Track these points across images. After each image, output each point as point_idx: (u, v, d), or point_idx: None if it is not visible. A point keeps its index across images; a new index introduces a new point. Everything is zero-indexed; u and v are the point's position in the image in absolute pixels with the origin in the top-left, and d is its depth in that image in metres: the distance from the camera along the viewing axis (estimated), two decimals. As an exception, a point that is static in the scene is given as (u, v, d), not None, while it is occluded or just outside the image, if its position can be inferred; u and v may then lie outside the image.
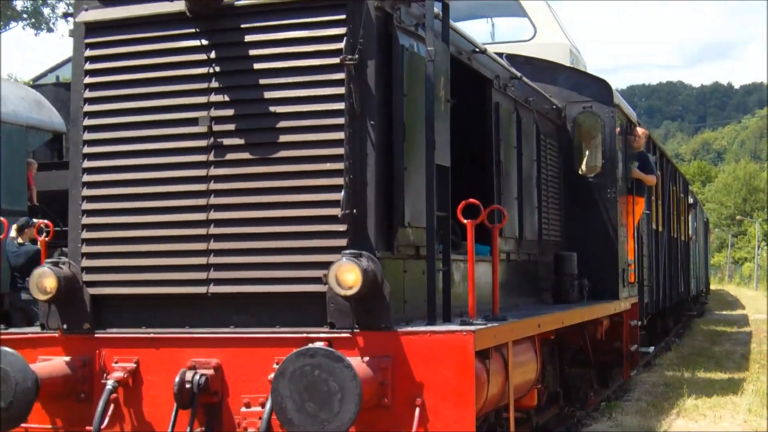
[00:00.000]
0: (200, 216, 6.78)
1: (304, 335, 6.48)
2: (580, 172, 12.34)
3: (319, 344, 6.10)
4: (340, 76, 6.54)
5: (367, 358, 6.29)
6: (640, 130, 13.65)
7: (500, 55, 10.21)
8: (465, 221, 6.90)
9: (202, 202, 6.78)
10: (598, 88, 12.36)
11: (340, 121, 6.57)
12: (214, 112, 6.80)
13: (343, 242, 6.55)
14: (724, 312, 37.42)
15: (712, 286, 57.18)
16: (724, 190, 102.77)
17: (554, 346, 10.78)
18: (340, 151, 6.55)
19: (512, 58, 11.62)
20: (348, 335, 6.40)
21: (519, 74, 10.07)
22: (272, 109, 6.74)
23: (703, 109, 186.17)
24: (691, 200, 28.18)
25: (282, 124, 6.75)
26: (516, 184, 9.87)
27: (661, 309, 19.79)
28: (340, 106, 6.57)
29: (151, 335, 6.78)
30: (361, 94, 6.58)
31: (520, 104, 10.16)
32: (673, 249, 21.20)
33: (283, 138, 6.76)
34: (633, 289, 13.46)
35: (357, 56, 6.47)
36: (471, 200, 7.08)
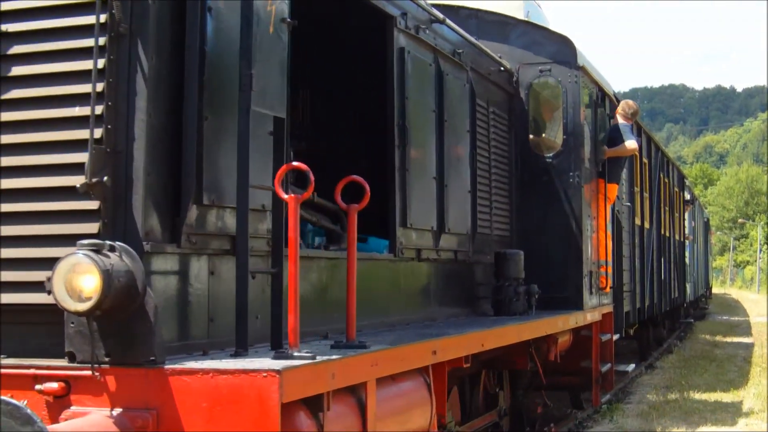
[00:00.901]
0: None
1: (32, 371, 4.02)
2: (536, 150, 9.82)
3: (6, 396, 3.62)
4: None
5: (118, 411, 3.83)
6: (625, 102, 11.10)
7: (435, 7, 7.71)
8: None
9: None
10: (559, 48, 9.82)
11: (89, 42, 4.10)
12: None
13: (91, 227, 4.10)
14: (726, 316, 35.95)
15: (714, 290, 56.00)
16: (726, 193, 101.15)
17: (495, 372, 8.34)
18: (88, 88, 4.07)
19: (451, 11, 9.11)
20: (90, 374, 3.93)
21: (442, 16, 7.55)
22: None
23: (705, 111, 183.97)
24: (688, 196, 25.52)
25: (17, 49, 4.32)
26: (434, 160, 7.37)
27: (651, 317, 17.26)
28: (90, 19, 4.09)
29: None
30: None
31: (444, 56, 7.63)
32: (664, 249, 18.65)
33: (17, 70, 4.31)
34: (606, 296, 10.93)
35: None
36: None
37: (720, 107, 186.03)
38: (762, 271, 75.70)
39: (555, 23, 13.38)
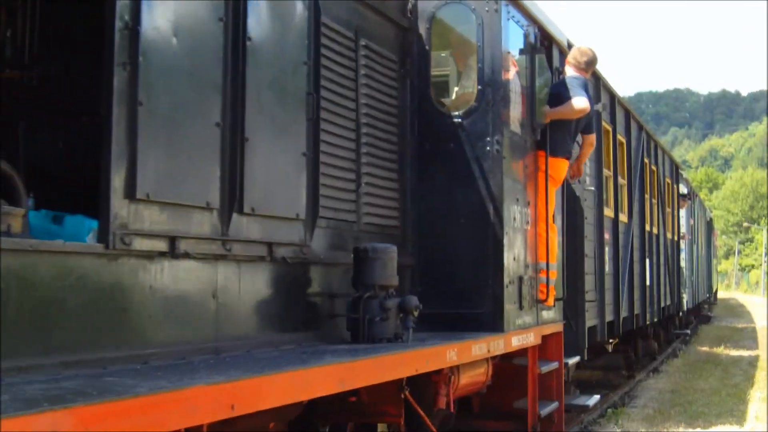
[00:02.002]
0: None
1: None
2: (441, 108, 6.86)
3: None
4: None
5: None
6: (578, 49, 8.14)
7: None
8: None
9: None
10: (475, -36, 6.85)
11: None
12: None
13: None
14: (731, 320, 34.81)
15: (720, 294, 54.51)
16: (732, 197, 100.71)
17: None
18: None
19: None
20: None
21: None
22: None
23: (710, 115, 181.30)
24: (684, 190, 22.40)
25: None
26: (219, 96, 4.43)
27: (632, 330, 14.30)
28: None
29: None
30: None
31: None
32: (651, 249, 15.64)
33: None
34: (553, 311, 7.98)
35: None
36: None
37: (725, 111, 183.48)
38: (767, 275, 74.03)
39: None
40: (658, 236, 16.48)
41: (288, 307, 5.12)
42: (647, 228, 14.93)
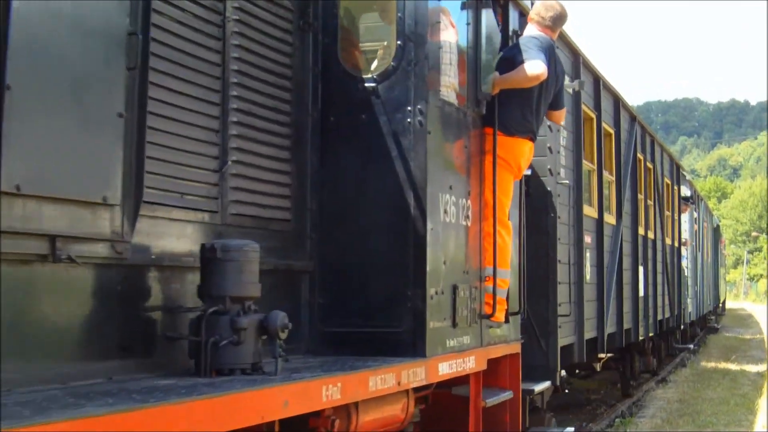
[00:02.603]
0: None
1: None
2: (352, 70, 5.33)
3: None
4: None
5: None
6: (542, 3, 6.57)
7: None
8: None
9: None
10: None
11: None
12: None
13: None
14: (739, 330, 34.09)
15: (729, 304, 53.21)
16: (740, 206, 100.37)
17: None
18: None
19: None
20: None
21: None
22: None
23: (719, 125, 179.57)
24: (687, 193, 20.80)
25: None
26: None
27: (626, 346, 12.77)
28: None
29: None
30: None
31: None
32: (647, 255, 14.10)
33: None
34: (506, 329, 6.45)
35: None
36: None
37: (734, 120, 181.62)
38: None
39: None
40: (654, 242, 14.92)
41: (91, 328, 3.61)
42: (641, 232, 13.38)
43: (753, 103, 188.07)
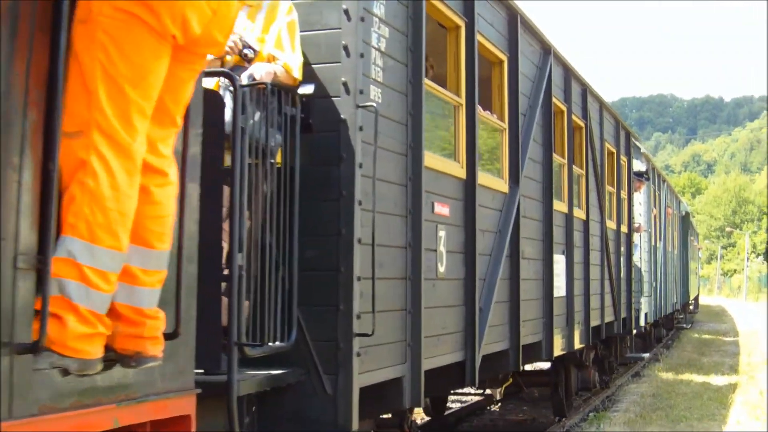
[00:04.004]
0: None
1: None
2: None
3: None
4: None
5: None
6: None
7: None
8: None
9: None
10: None
11: None
12: None
13: None
14: (712, 324, 33.19)
15: (702, 299, 51.47)
16: (714, 202, 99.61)
17: None
18: None
19: None
20: None
21: None
22: None
23: (693, 121, 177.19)
24: (642, 167, 17.07)
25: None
26: None
27: (551, 360, 9.07)
28: None
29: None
30: None
31: None
32: (574, 241, 10.38)
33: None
34: (147, 372, 2.68)
35: None
36: None
37: (708, 117, 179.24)
38: (749, 279, 72.11)
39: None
40: (587, 223, 11.15)
41: None
42: (560, 208, 9.61)
43: (727, 99, 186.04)
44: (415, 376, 5.39)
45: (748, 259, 77.86)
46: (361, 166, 4.82)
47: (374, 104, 4.89)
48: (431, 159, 5.82)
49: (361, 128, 4.84)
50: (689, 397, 13.06)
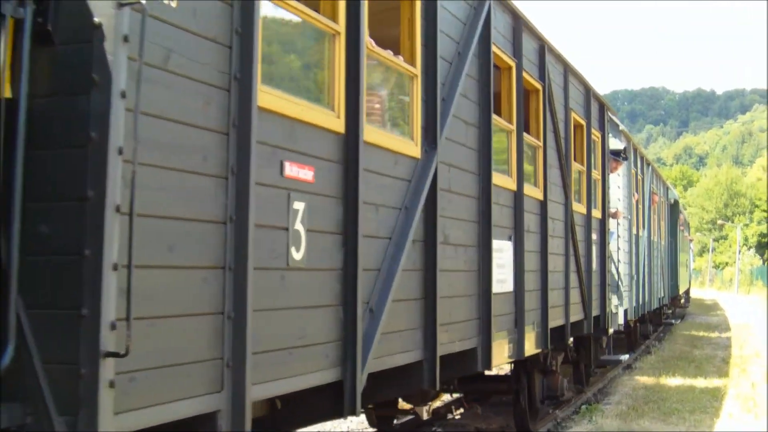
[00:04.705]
0: None
1: None
2: None
3: None
4: None
5: None
6: None
7: None
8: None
9: None
10: None
11: None
12: None
13: None
14: (704, 317, 32.77)
15: (694, 291, 50.39)
16: (706, 194, 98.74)
17: None
18: None
19: None
20: None
21: None
22: None
23: (685, 114, 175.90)
24: (620, 145, 15.26)
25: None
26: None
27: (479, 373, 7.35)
28: None
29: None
30: None
31: None
32: (526, 226, 8.69)
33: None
34: None
35: None
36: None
37: (700, 109, 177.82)
38: (741, 272, 71.22)
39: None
40: (544, 205, 9.42)
41: None
42: (504, 184, 7.86)
43: (719, 92, 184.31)
44: (238, 411, 3.66)
45: (740, 251, 76.42)
46: (124, 95, 3.10)
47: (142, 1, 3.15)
48: (277, 100, 4.09)
49: (126, 38, 3.12)
50: (681, 389, 13.09)
